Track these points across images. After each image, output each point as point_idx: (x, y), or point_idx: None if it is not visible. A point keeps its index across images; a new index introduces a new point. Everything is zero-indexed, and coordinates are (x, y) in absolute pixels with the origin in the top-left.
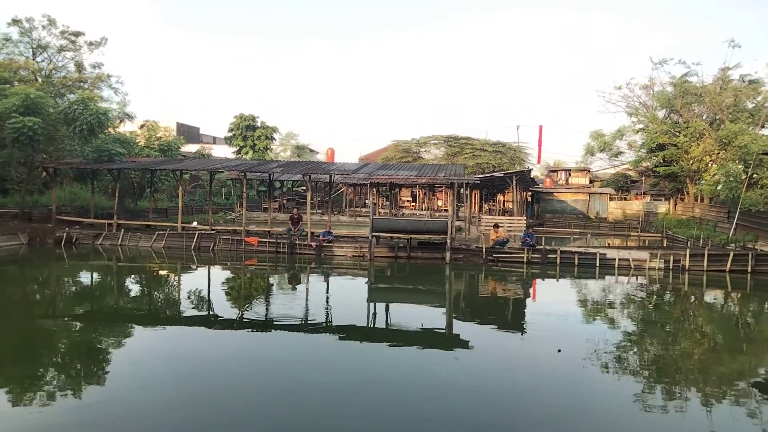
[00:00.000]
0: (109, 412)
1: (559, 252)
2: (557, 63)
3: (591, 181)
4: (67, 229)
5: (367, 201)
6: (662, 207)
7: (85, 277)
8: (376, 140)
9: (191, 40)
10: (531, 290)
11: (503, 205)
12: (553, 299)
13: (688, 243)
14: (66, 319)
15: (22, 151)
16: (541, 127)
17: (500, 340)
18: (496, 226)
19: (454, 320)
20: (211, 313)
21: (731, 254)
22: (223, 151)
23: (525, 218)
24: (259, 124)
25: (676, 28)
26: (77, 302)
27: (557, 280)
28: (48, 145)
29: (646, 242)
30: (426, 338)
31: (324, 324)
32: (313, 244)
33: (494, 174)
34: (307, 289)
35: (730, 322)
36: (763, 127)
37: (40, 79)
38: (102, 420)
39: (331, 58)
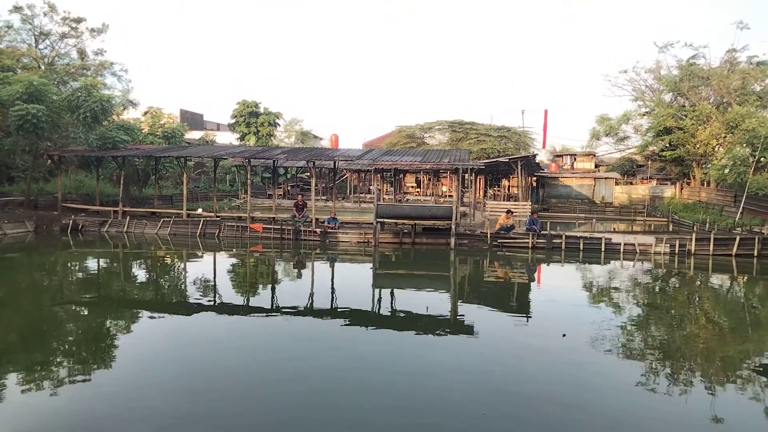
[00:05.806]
0: (116, 398)
1: (564, 237)
2: (563, 47)
3: (596, 166)
4: (72, 216)
5: (371, 187)
6: (668, 191)
7: (92, 264)
8: (381, 126)
9: (194, 25)
10: (536, 275)
11: (508, 190)
12: (557, 284)
13: (694, 227)
14: (73, 305)
15: (26, 138)
16: (546, 111)
17: (505, 325)
18: (508, 212)
19: (458, 305)
20: (217, 299)
21: (737, 238)
22: (227, 138)
23: (530, 203)
24: (262, 111)
25: (683, 11)
26: (85, 289)
27: (562, 265)
28: (52, 132)
29: (652, 227)
30: (430, 323)
31: (329, 310)
32: (318, 230)
33: (499, 159)
34: (312, 275)
35: (736, 307)
36: None
37: (42, 67)
38: (110, 406)
39: (335, 43)
